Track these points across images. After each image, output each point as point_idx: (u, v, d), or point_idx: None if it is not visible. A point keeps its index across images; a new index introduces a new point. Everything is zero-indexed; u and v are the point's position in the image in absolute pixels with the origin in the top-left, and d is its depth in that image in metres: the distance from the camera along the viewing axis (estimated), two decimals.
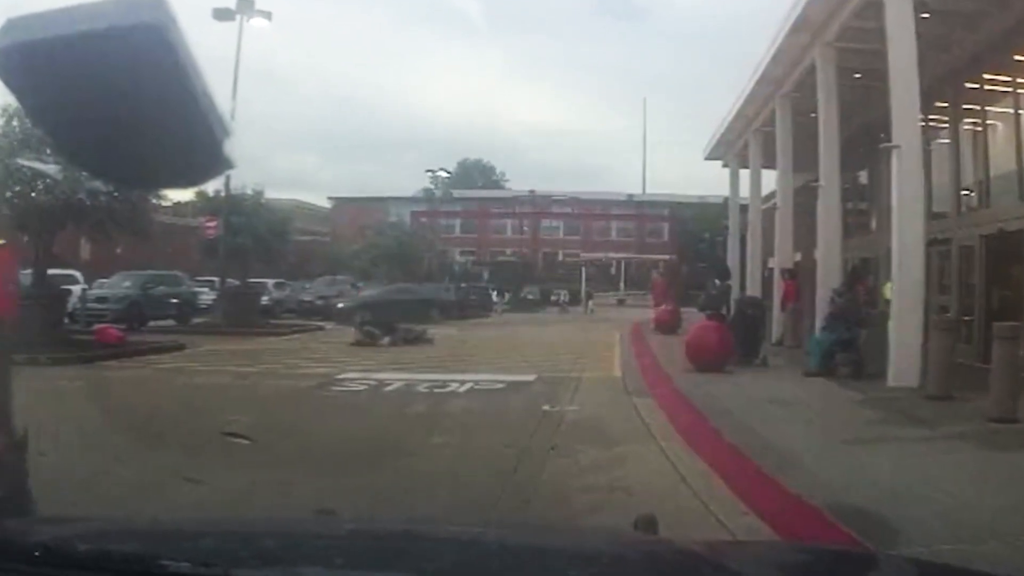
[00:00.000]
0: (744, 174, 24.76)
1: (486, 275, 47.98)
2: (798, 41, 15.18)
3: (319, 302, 30.19)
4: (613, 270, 53.05)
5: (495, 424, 8.79)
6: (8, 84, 1.23)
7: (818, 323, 13.73)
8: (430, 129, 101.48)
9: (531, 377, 12.50)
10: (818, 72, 14.71)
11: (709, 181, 69.39)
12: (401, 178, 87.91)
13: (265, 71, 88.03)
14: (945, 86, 14.44)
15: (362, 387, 11.62)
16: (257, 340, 19.49)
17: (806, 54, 15.46)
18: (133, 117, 1.22)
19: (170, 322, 23.44)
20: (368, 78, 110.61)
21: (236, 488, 5.25)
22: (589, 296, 39.57)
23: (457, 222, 58.23)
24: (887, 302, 12.01)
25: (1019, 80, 13.06)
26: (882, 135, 13.20)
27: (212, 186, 26.73)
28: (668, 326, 20.78)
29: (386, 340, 18.25)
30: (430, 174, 54.43)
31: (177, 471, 5.46)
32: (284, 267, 34.45)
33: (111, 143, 1.28)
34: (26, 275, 14.54)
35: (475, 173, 71.68)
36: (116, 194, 15.27)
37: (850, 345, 11.95)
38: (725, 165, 27.72)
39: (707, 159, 28.47)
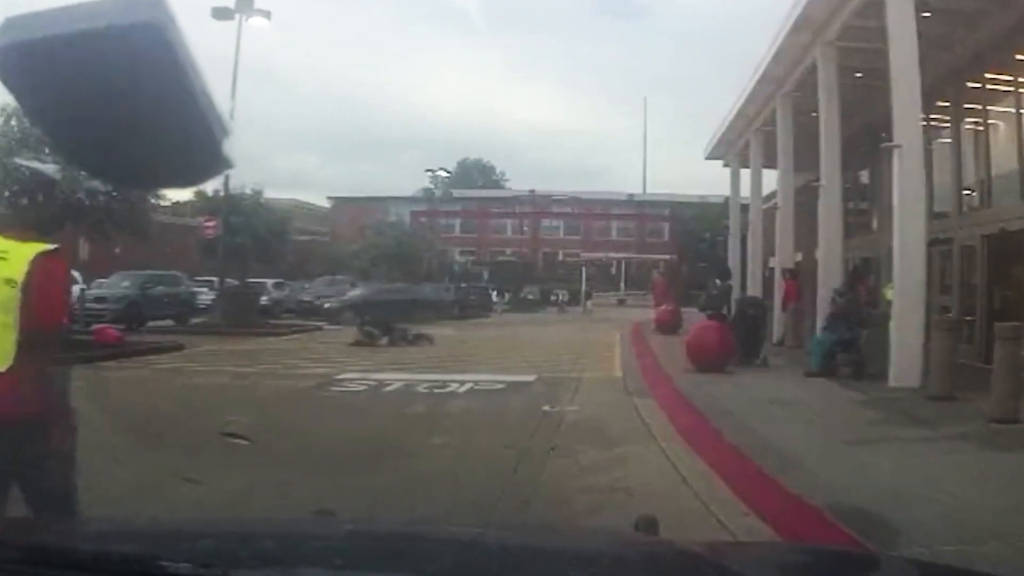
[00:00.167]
0: (745, 174, 24.70)
1: (486, 275, 47.87)
2: (799, 40, 15.16)
3: (318, 302, 30.12)
4: (613, 270, 52.91)
5: (495, 425, 8.77)
6: (7, 83, 1.22)
7: (819, 323, 13.72)
8: (430, 129, 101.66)
9: (531, 377, 12.48)
10: (819, 71, 14.69)
11: (710, 181, 69.49)
12: (401, 178, 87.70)
13: (264, 70, 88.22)
14: (946, 85, 14.43)
15: (361, 387, 11.59)
16: (256, 340, 19.45)
17: (807, 53, 15.44)
18: (132, 116, 1.22)
19: (169, 322, 23.38)
20: (368, 78, 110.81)
21: (235, 488, 5.23)
22: (588, 296, 39.53)
23: (457, 222, 58.13)
24: (888, 302, 12.00)
25: (1021, 79, 13.04)
26: (883, 134, 13.20)
27: (211, 186, 26.91)
28: (669, 326, 20.74)
29: (385, 340, 18.27)
30: (430, 174, 54.45)
31: (176, 471, 5.43)
32: (283, 267, 34.46)
33: (110, 142, 1.27)
34: None
35: (475, 173, 71.64)
36: (115, 194, 15.25)
37: (851, 345, 11.94)
38: (726, 165, 27.68)
39: (708, 159, 28.44)
